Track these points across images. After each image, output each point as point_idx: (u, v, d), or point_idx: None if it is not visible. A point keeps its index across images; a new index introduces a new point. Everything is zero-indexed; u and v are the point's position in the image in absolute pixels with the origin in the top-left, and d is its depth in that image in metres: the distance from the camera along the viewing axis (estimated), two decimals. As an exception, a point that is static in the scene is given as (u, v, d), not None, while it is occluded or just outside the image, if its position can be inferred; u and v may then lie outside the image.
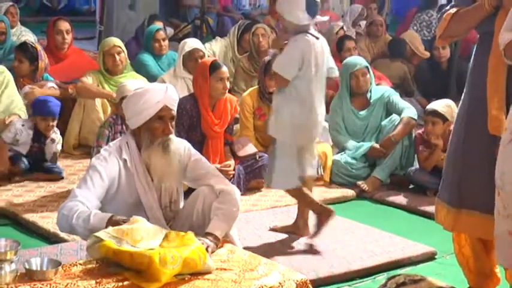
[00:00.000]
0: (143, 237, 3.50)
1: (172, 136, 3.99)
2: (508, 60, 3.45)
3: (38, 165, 5.95)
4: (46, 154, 5.96)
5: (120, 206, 3.92)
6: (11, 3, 8.99)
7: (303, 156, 4.90)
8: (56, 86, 6.77)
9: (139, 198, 3.98)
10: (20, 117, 6.31)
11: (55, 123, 5.92)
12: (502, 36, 3.42)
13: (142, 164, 3.97)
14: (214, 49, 8.26)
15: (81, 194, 3.81)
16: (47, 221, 5.02)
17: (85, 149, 6.61)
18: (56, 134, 5.97)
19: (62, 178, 5.96)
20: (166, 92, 3.97)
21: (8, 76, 6.48)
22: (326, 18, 5.29)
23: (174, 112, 4.01)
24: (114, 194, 3.96)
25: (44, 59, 6.76)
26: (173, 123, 4.02)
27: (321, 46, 4.82)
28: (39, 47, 6.87)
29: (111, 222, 3.64)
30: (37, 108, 5.96)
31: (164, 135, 3.95)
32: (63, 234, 4.67)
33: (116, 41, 6.92)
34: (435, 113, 6.01)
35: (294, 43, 4.72)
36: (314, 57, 4.75)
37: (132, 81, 5.79)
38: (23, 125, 5.86)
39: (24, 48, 6.81)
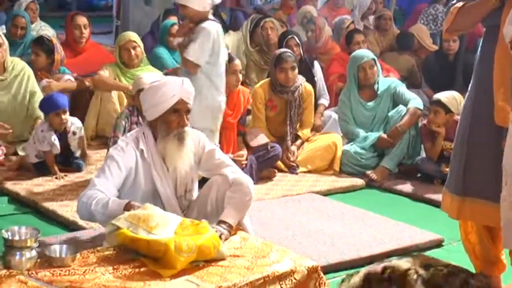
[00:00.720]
0: (158, 223, 3.50)
1: (188, 128, 3.98)
2: None
3: (67, 161, 5.94)
4: (72, 147, 5.94)
5: (137, 195, 3.92)
6: (31, -1, 8.97)
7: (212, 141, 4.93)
8: (72, 79, 6.76)
9: (156, 187, 3.98)
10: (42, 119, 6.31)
11: (67, 115, 5.81)
12: (507, 29, 3.39)
13: (159, 154, 3.97)
14: (227, 42, 8.19)
15: (100, 183, 3.83)
16: (66, 209, 5.02)
17: (102, 140, 6.61)
18: (74, 125, 5.93)
19: (80, 170, 5.95)
20: (182, 86, 3.96)
21: (29, 71, 6.48)
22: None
23: (190, 105, 3.99)
24: (132, 183, 3.97)
25: (60, 52, 6.77)
26: (189, 115, 4.01)
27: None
28: (55, 40, 6.88)
29: (128, 208, 3.66)
30: (46, 106, 5.84)
31: (179, 128, 3.94)
32: (81, 222, 4.68)
33: (131, 35, 6.90)
34: (438, 103, 6.01)
35: (204, 30, 4.75)
36: (222, 42, 4.80)
37: (148, 74, 5.77)
38: (42, 131, 5.76)
39: (40, 41, 6.82)
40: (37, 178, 5.70)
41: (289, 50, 6.51)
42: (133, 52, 6.72)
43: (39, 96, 6.43)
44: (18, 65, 6.45)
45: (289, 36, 7.18)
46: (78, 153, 5.99)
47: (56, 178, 5.69)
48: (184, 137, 3.93)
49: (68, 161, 5.92)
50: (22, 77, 6.42)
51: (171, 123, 3.92)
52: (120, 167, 3.89)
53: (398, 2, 12.28)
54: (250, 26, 8.18)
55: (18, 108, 6.41)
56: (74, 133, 5.91)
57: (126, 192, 3.93)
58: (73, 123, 5.91)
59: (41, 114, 6.27)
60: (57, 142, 5.75)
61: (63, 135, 5.84)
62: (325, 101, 7.23)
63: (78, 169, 5.91)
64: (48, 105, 5.81)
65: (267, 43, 7.91)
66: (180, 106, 3.93)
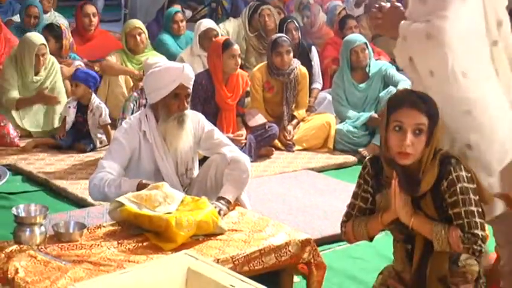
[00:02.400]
0: (161, 202, 3.46)
1: (187, 111, 3.92)
2: None
3: (79, 135, 5.97)
4: (89, 124, 5.95)
5: (141, 174, 3.87)
6: (46, -10, 8.89)
7: None
8: (82, 64, 6.75)
9: (158, 166, 3.93)
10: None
11: (81, 89, 5.94)
12: None
13: (160, 135, 3.91)
14: (228, 28, 8.18)
15: (108, 165, 3.79)
16: (76, 187, 5.00)
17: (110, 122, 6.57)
18: (96, 105, 5.98)
19: (86, 151, 5.91)
20: (183, 71, 3.89)
21: (56, 65, 6.45)
22: None
23: (190, 90, 3.93)
24: (136, 163, 3.93)
25: (68, 38, 6.81)
26: (189, 99, 3.95)
27: None
28: (63, 27, 6.89)
29: (140, 186, 3.62)
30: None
31: (179, 111, 3.88)
32: (90, 199, 4.64)
33: (136, 22, 6.86)
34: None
35: None
36: None
37: (161, 58, 5.77)
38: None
39: (50, 28, 6.90)
40: (49, 158, 5.68)
41: (284, 35, 6.46)
42: (138, 38, 6.69)
43: (62, 87, 6.43)
44: (49, 60, 6.42)
45: (289, 20, 7.15)
46: (94, 134, 5.97)
47: (56, 138, 5.94)
48: (184, 120, 3.88)
49: (78, 134, 5.91)
50: (51, 71, 6.42)
51: (171, 106, 3.86)
52: (125, 148, 3.85)
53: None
54: (249, 13, 8.12)
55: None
56: (93, 111, 5.96)
57: (131, 172, 3.89)
58: (96, 102, 6.00)
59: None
60: (72, 111, 5.98)
61: (83, 108, 5.99)
62: (318, 85, 7.19)
63: (83, 149, 5.88)
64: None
65: (264, 29, 7.86)
66: (180, 91, 3.87)
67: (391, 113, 2.82)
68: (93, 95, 6.04)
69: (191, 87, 3.94)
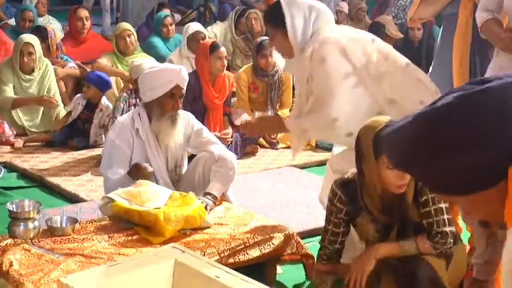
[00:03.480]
0: (150, 198, 3.46)
1: (180, 111, 3.94)
2: (484, 36, 3.40)
3: (73, 133, 5.92)
4: (94, 121, 5.91)
5: (131, 170, 3.87)
6: (41, -6, 8.87)
7: None
8: (76, 66, 6.73)
9: (150, 162, 3.93)
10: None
11: (92, 90, 5.90)
12: (479, 15, 3.37)
13: (152, 133, 3.92)
14: (216, 31, 8.17)
15: (112, 172, 3.81)
16: (69, 183, 4.98)
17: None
18: (105, 105, 5.93)
19: (78, 149, 5.87)
20: (180, 73, 3.92)
21: (50, 67, 6.40)
22: None
23: (184, 91, 3.95)
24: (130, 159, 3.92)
25: (54, 38, 6.82)
26: (182, 100, 3.96)
27: None
28: (49, 28, 6.93)
29: (134, 167, 3.74)
30: None
31: (173, 110, 3.89)
32: (82, 195, 4.65)
33: (126, 25, 6.85)
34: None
35: None
36: None
37: (146, 60, 5.74)
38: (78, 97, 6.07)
39: (37, 29, 6.90)
40: (43, 156, 5.65)
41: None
42: (128, 40, 6.67)
43: (56, 89, 6.40)
44: (43, 62, 6.37)
45: (274, 25, 7.12)
46: (94, 133, 5.93)
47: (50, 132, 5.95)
48: (177, 119, 3.90)
49: (72, 132, 5.88)
50: (46, 73, 6.37)
51: (166, 105, 3.87)
52: (122, 148, 3.87)
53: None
54: (235, 17, 8.12)
55: None
56: (102, 110, 5.92)
57: (125, 168, 3.90)
58: (106, 102, 5.96)
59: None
60: (79, 107, 5.93)
61: (91, 107, 5.93)
62: (301, 85, 7.19)
63: (76, 147, 5.84)
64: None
65: (251, 32, 7.86)
66: (176, 91, 3.88)
67: (381, 154, 2.78)
68: (104, 95, 6.00)
69: (185, 88, 3.96)
